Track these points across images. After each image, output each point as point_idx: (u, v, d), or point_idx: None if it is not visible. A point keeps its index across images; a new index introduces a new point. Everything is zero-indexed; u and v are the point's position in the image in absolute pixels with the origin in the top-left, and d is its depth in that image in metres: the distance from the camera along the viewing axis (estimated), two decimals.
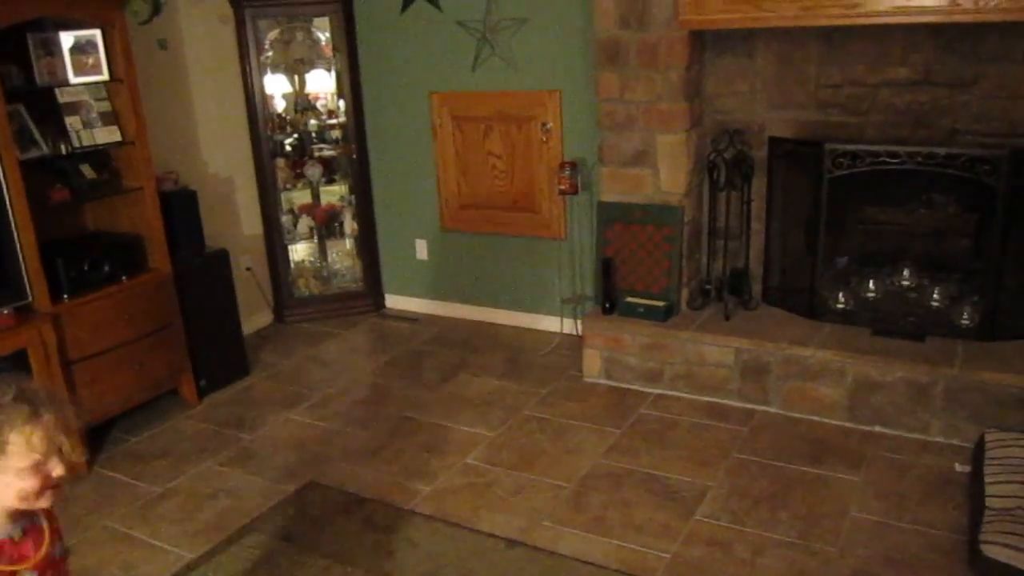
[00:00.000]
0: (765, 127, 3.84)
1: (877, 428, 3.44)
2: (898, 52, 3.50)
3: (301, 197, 5.04)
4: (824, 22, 3.32)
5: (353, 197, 5.04)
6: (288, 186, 4.96)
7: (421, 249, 5.02)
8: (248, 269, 4.81)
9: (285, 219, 4.97)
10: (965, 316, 3.51)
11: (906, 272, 3.71)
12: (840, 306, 3.75)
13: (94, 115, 3.55)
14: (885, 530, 2.83)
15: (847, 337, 3.59)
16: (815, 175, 3.60)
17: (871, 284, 3.75)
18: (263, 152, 4.79)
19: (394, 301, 5.21)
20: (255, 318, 4.90)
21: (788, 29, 3.56)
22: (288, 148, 4.92)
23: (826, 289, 3.77)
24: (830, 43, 3.61)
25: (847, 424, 3.49)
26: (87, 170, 3.61)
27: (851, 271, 3.84)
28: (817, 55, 3.65)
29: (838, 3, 3.22)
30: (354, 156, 4.93)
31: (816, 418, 3.55)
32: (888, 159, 3.44)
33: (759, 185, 3.89)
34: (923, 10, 3.11)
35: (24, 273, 3.23)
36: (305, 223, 5.02)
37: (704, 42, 3.79)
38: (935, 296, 3.62)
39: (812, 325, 3.72)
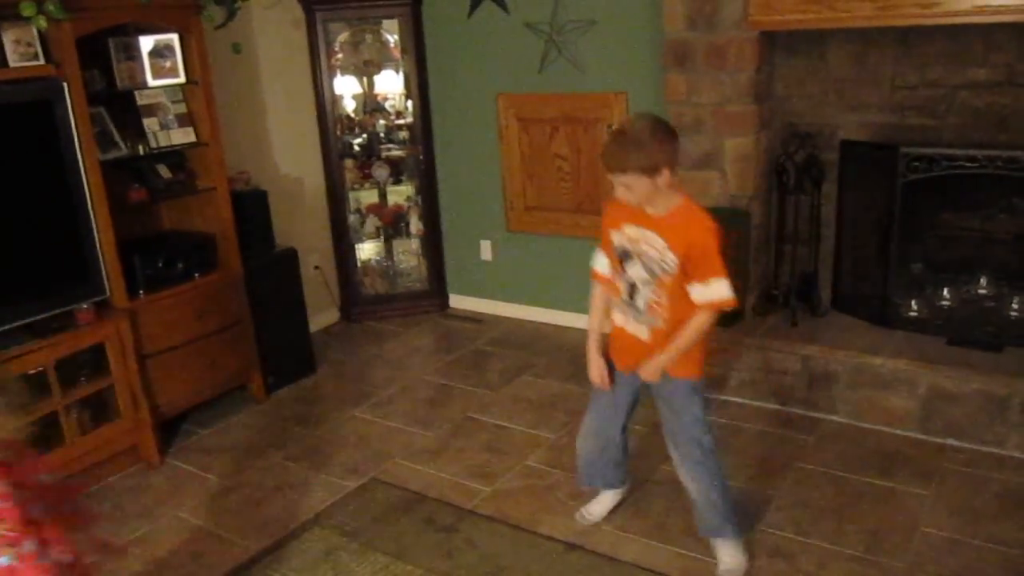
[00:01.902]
0: (837, 130, 3.75)
1: (950, 441, 3.34)
2: (978, 52, 3.38)
3: (368, 197, 5.11)
4: (900, 22, 3.23)
5: (419, 198, 5.09)
6: (356, 186, 5.03)
7: (486, 250, 5.04)
8: (316, 268, 4.90)
9: (352, 219, 5.05)
10: None
11: (983, 280, 3.59)
12: (913, 314, 3.64)
13: (171, 117, 3.66)
14: (956, 547, 2.74)
15: (920, 346, 3.49)
16: (889, 179, 3.51)
17: (946, 292, 3.64)
18: (332, 153, 4.88)
19: (458, 301, 5.25)
20: (322, 316, 4.99)
21: (862, 29, 3.47)
22: (356, 149, 4.99)
23: (899, 296, 3.67)
24: (906, 43, 3.51)
25: (918, 436, 3.39)
26: (163, 170, 3.72)
27: (925, 278, 3.72)
28: (892, 56, 3.55)
29: (915, 2, 3.13)
30: (421, 157, 4.98)
31: (886, 429, 3.46)
32: (966, 163, 3.34)
33: (829, 189, 3.80)
34: (1004, 9, 3.00)
35: (103, 270, 3.35)
36: (372, 223, 5.09)
37: (774, 43, 3.73)
38: (1014, 305, 3.50)
39: (883, 333, 3.63)
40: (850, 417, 3.54)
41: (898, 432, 3.43)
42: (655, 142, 2.35)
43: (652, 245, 2.45)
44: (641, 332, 2.56)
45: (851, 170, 3.75)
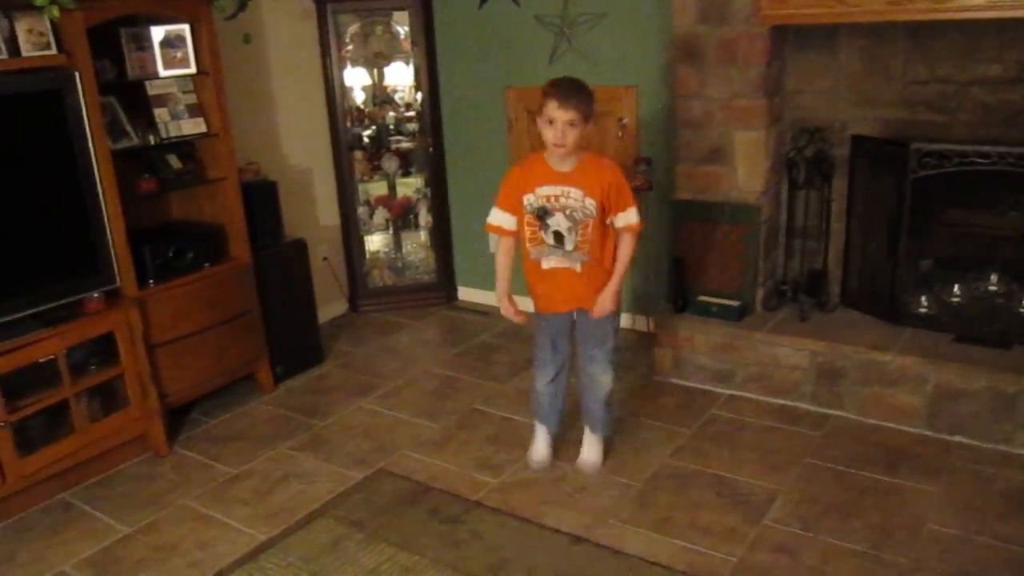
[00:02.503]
0: (847, 125, 3.74)
1: (957, 438, 3.33)
2: (990, 48, 3.36)
3: (377, 189, 5.12)
4: (912, 17, 3.22)
5: (428, 190, 5.10)
6: (365, 178, 5.04)
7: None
8: (325, 259, 4.91)
9: (361, 210, 5.05)
10: None
11: (993, 277, 3.58)
12: (922, 311, 3.64)
13: (181, 107, 3.67)
14: (962, 544, 2.74)
15: (929, 343, 3.48)
16: (899, 175, 3.50)
17: (955, 289, 3.63)
18: (341, 144, 4.88)
19: (466, 294, 5.26)
20: (330, 307, 5.00)
21: (874, 24, 3.46)
22: (366, 140, 4.99)
23: (908, 293, 3.66)
24: (917, 39, 3.49)
25: (926, 432, 3.39)
26: (173, 161, 3.73)
27: (934, 275, 3.71)
28: (904, 51, 3.54)
29: None
30: (430, 149, 4.98)
31: (893, 425, 3.46)
32: (977, 160, 3.32)
33: (839, 184, 3.79)
34: (1018, 4, 2.98)
35: (113, 259, 3.37)
36: (381, 215, 5.09)
37: (785, 38, 3.71)
38: (1023, 303, 3.48)
39: (892, 329, 3.62)
40: (857, 413, 3.54)
41: (905, 428, 3.43)
42: (590, 94, 2.84)
43: (571, 196, 2.88)
44: (575, 266, 2.98)
45: (861, 166, 3.73)
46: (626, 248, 2.99)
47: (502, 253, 3.12)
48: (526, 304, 3.14)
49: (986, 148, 3.31)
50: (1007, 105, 3.38)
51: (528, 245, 3.02)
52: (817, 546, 2.77)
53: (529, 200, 2.94)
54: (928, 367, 3.35)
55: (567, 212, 2.89)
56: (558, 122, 2.77)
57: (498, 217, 3.06)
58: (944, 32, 3.41)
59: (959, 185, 3.47)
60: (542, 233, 2.95)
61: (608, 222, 2.94)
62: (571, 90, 2.79)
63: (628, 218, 2.94)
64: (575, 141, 2.81)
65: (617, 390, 3.38)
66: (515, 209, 3.00)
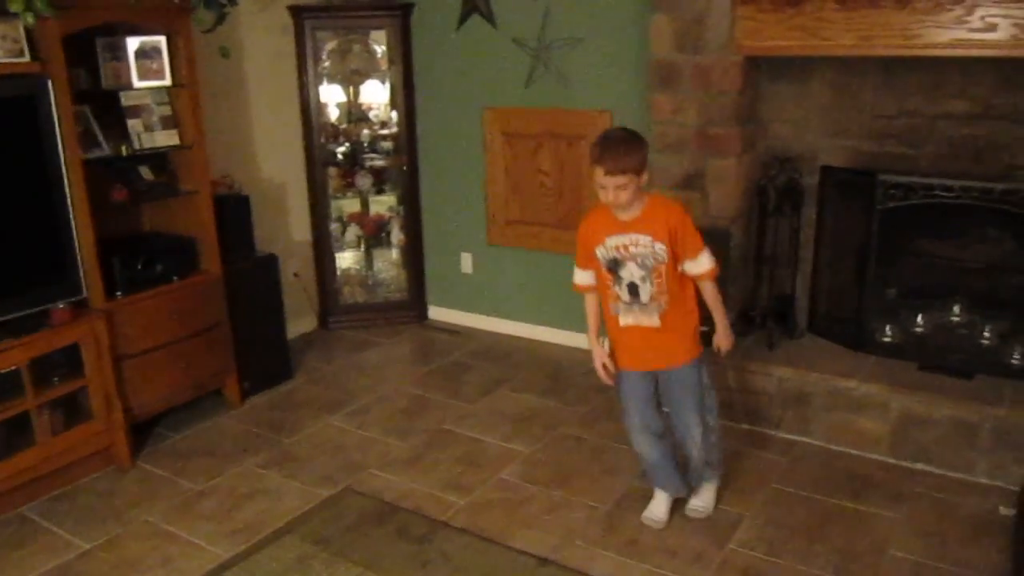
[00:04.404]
0: (817, 155, 3.81)
1: (920, 465, 3.38)
2: (957, 85, 3.45)
3: (351, 206, 5.12)
4: (881, 52, 3.29)
5: (402, 208, 5.10)
6: (338, 195, 5.03)
7: (466, 262, 5.05)
8: (296, 275, 4.89)
9: (334, 227, 5.04)
10: (1016, 355, 3.44)
11: (957, 308, 3.65)
12: (887, 339, 3.69)
13: (155, 119, 3.65)
14: (924, 570, 2.77)
15: (893, 371, 3.53)
16: (867, 205, 3.56)
17: (920, 318, 3.69)
18: (316, 160, 4.88)
19: (437, 313, 5.25)
20: (300, 323, 4.97)
21: (845, 58, 3.53)
22: (340, 157, 4.99)
23: (874, 321, 3.72)
24: (887, 73, 3.57)
25: (889, 460, 3.44)
26: (146, 172, 3.71)
27: (900, 304, 3.78)
28: (873, 85, 3.62)
29: (896, 34, 3.19)
30: (404, 167, 4.99)
31: (857, 452, 3.50)
32: (942, 192, 3.40)
33: (809, 213, 3.85)
34: (984, 44, 3.07)
35: (81, 269, 3.33)
36: (353, 232, 5.08)
37: (759, 68, 3.78)
38: (986, 333, 3.55)
39: (857, 357, 3.67)
40: (823, 439, 3.58)
41: (869, 455, 3.47)
42: (641, 145, 2.73)
43: (640, 244, 2.76)
44: (653, 320, 2.84)
45: (830, 195, 3.80)
46: (711, 291, 2.88)
47: (588, 308, 3.01)
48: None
49: (950, 182, 3.39)
50: (972, 140, 3.47)
51: (608, 300, 2.90)
52: (782, 570, 2.79)
53: (600, 253, 2.82)
54: (892, 395, 3.40)
55: (639, 260, 2.76)
56: (608, 188, 2.67)
57: (578, 275, 2.96)
58: (912, 68, 3.50)
59: (925, 217, 3.55)
60: (616, 288, 2.83)
61: (680, 270, 2.81)
62: (618, 155, 2.65)
63: (702, 264, 2.81)
64: (630, 198, 2.69)
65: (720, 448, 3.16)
66: (591, 264, 2.89)
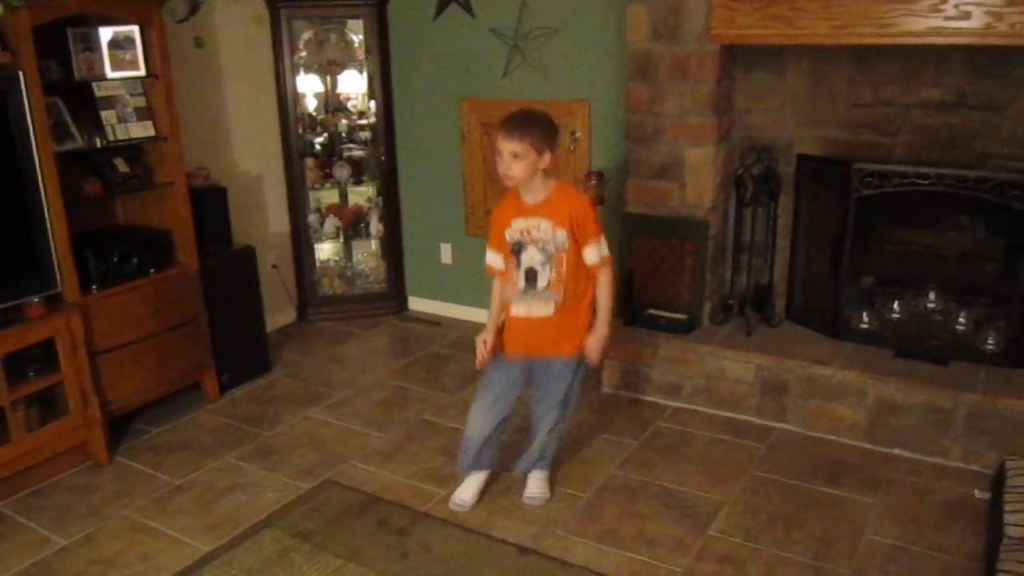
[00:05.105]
0: (793, 144, 3.83)
1: (896, 451, 3.42)
2: (931, 73, 3.48)
3: (329, 197, 5.09)
4: (856, 40, 3.31)
5: (380, 199, 5.08)
6: (316, 186, 5.00)
7: (446, 253, 5.04)
8: (274, 267, 4.86)
9: (312, 218, 5.01)
10: (990, 341, 3.48)
11: (932, 295, 3.69)
12: (863, 326, 3.73)
13: (129, 110, 3.61)
14: (900, 554, 2.81)
15: (869, 358, 3.57)
16: (843, 194, 3.59)
17: (896, 305, 3.73)
18: (293, 151, 4.84)
19: (417, 304, 5.24)
20: (279, 315, 4.95)
21: (820, 47, 3.55)
22: (318, 148, 4.96)
23: (850, 309, 3.75)
24: (862, 62, 3.59)
25: (866, 445, 3.47)
26: (120, 164, 3.66)
27: (876, 292, 3.81)
28: (848, 74, 3.63)
29: (871, 22, 3.21)
30: (382, 158, 4.96)
31: (834, 438, 3.53)
32: (917, 180, 3.42)
33: (786, 202, 3.87)
34: (958, 32, 3.09)
35: (55, 263, 3.29)
36: (332, 223, 5.06)
37: (735, 57, 3.79)
38: (960, 320, 3.60)
39: (834, 344, 3.71)
40: (800, 426, 3.61)
41: (846, 441, 3.51)
42: (548, 127, 2.79)
43: (541, 228, 2.83)
44: (547, 309, 2.90)
45: (806, 184, 3.82)
46: (605, 288, 2.91)
47: (494, 292, 3.04)
48: None
49: (925, 169, 3.42)
50: (946, 128, 3.50)
51: (507, 286, 2.95)
52: (761, 557, 2.82)
53: (508, 235, 2.88)
54: (868, 381, 3.44)
55: (539, 245, 2.83)
56: (503, 153, 2.74)
57: (488, 256, 3.00)
58: (887, 56, 3.52)
59: (901, 205, 3.58)
60: (515, 273, 2.89)
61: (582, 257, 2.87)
62: (517, 121, 2.74)
63: (600, 250, 2.87)
64: (524, 172, 2.75)
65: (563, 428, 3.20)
66: (502, 246, 2.93)
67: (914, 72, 3.51)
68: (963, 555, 2.79)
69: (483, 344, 2.96)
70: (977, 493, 3.11)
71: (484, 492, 3.19)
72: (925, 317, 3.69)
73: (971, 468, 3.27)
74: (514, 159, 2.74)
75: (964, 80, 3.42)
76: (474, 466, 3.14)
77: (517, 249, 2.87)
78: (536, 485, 3.19)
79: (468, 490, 3.16)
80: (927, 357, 3.52)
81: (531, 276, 2.87)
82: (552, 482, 3.24)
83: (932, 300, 3.69)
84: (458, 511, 3.10)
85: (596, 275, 2.91)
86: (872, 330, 3.71)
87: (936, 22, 3.11)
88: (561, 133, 2.85)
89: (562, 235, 2.81)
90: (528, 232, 2.84)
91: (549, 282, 2.86)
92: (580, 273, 2.88)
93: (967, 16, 3.05)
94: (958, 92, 3.44)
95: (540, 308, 2.90)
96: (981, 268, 3.64)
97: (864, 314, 3.74)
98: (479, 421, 3.05)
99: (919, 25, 3.14)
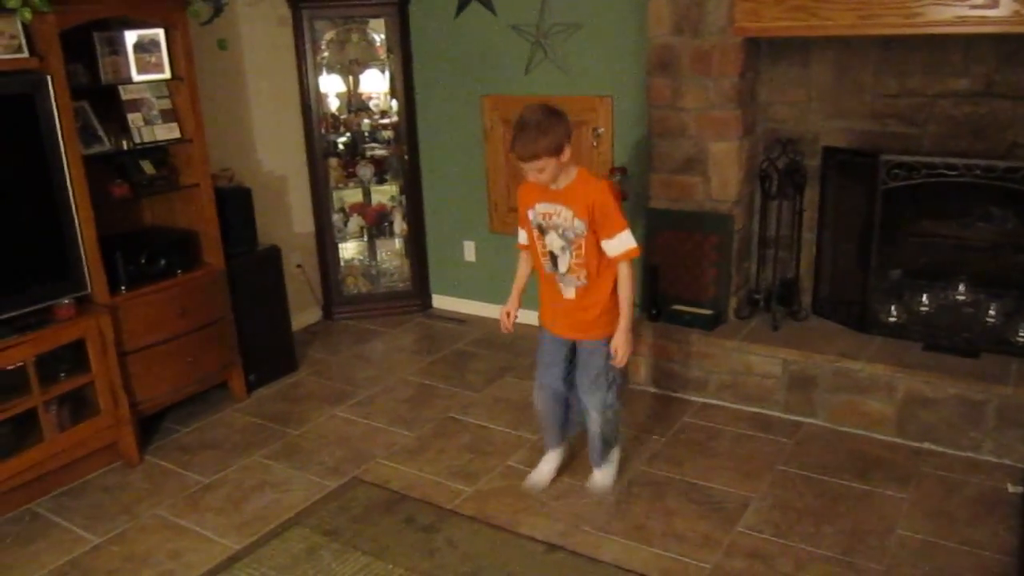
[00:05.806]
0: (819, 136, 3.79)
1: (926, 445, 3.38)
2: (958, 62, 3.43)
3: (352, 196, 5.11)
4: (882, 31, 3.27)
5: (403, 197, 5.09)
6: (340, 185, 5.03)
7: (469, 251, 5.05)
8: (299, 266, 4.89)
9: (336, 218, 5.04)
10: (1022, 333, 3.43)
11: (961, 287, 3.64)
12: (892, 319, 3.69)
13: (155, 112, 3.64)
14: (932, 549, 2.78)
15: (898, 351, 3.53)
16: (869, 186, 3.55)
17: (924, 298, 3.68)
18: (316, 151, 4.87)
19: (441, 301, 5.25)
20: (304, 315, 4.98)
21: (845, 38, 3.51)
22: (341, 147, 4.98)
23: (878, 302, 3.71)
24: (888, 52, 3.55)
25: (895, 440, 3.44)
26: (147, 166, 3.70)
27: (904, 284, 3.77)
28: (874, 64, 3.60)
29: (897, 12, 3.17)
30: (405, 157, 4.98)
31: (863, 432, 3.50)
32: (945, 171, 3.38)
33: (811, 195, 3.84)
34: (985, 20, 3.04)
35: (84, 265, 3.33)
36: (355, 222, 5.08)
37: (759, 50, 3.76)
38: (991, 312, 3.55)
39: (862, 338, 3.67)
40: (829, 420, 3.58)
41: (876, 436, 3.47)
42: (555, 125, 2.71)
43: (561, 215, 2.83)
44: (570, 292, 2.94)
45: (832, 176, 3.79)
46: (622, 281, 2.87)
47: (519, 266, 3.12)
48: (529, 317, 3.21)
49: (953, 160, 3.37)
50: (974, 118, 3.45)
51: (537, 261, 3.00)
52: (790, 552, 2.80)
53: (531, 216, 2.91)
54: (898, 375, 3.40)
55: (559, 231, 2.84)
56: (527, 171, 2.76)
57: (520, 235, 3.05)
58: (913, 46, 3.48)
59: (928, 196, 3.53)
60: (541, 254, 2.94)
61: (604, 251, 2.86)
62: (527, 141, 2.68)
63: (620, 245, 2.81)
64: (552, 175, 2.75)
65: (617, 428, 3.20)
66: (526, 225, 2.98)
67: (941, 61, 3.46)
68: (996, 550, 2.75)
69: (506, 316, 3.07)
70: (1010, 487, 3.07)
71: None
72: (955, 309, 3.64)
73: (1003, 462, 3.23)
74: (540, 173, 2.74)
75: (992, 69, 3.37)
76: (547, 444, 3.25)
77: (540, 230, 2.90)
78: (601, 474, 3.21)
79: (539, 472, 3.25)
80: (957, 350, 3.48)
81: (553, 259, 2.91)
82: (616, 471, 3.25)
83: (962, 292, 3.64)
84: (529, 491, 3.19)
85: (617, 268, 2.88)
86: (900, 323, 3.67)
87: (963, 11, 3.06)
88: (568, 118, 2.77)
89: (580, 224, 2.81)
90: (549, 216, 2.86)
91: (570, 266, 2.88)
92: (602, 262, 2.87)
93: (995, 4, 3.01)
94: (986, 81, 3.39)
95: (564, 290, 2.95)
96: (1012, 259, 3.58)
97: (892, 307, 3.70)
98: (538, 393, 3.17)
99: (945, 14, 3.09)
